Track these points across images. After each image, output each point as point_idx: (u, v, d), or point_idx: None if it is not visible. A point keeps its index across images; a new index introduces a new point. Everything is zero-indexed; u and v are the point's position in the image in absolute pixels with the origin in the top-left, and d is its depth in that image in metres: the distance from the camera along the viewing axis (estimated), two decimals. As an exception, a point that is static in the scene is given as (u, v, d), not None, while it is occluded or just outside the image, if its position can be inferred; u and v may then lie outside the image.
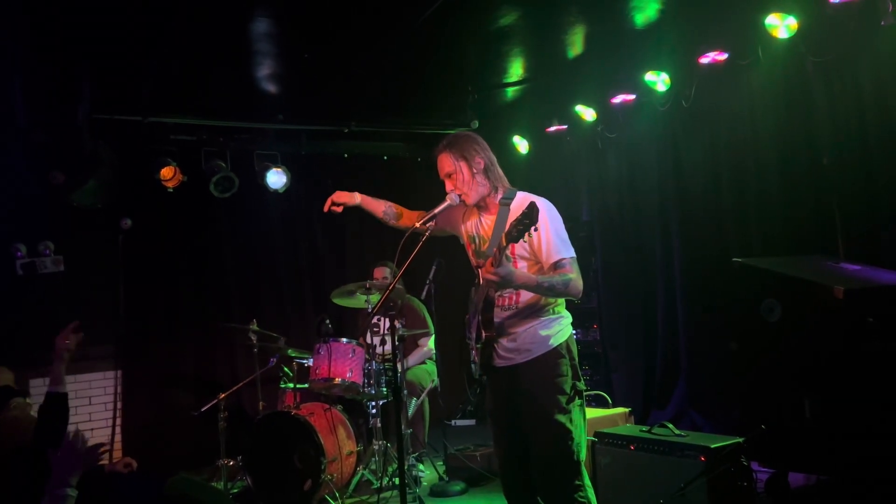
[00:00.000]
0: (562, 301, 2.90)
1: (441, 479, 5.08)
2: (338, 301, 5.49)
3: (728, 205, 5.42)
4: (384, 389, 4.96)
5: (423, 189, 7.18)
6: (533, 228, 2.55)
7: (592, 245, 6.58)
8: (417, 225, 2.95)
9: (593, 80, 6.08)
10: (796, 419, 3.84)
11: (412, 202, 7.05)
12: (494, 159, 2.99)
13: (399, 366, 3.56)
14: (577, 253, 2.86)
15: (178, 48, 4.81)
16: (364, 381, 4.89)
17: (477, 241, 3.04)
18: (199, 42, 4.81)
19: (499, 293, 2.88)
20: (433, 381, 5.40)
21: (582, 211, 6.85)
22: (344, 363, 4.85)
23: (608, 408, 4.80)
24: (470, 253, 3.10)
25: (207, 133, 6.40)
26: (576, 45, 5.44)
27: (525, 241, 2.77)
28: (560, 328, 2.87)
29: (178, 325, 6.50)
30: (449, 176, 2.97)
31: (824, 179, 4.69)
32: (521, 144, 7.20)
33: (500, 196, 2.96)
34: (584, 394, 2.91)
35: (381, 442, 4.96)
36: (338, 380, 4.83)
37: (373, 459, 5.03)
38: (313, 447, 4.65)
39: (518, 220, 2.54)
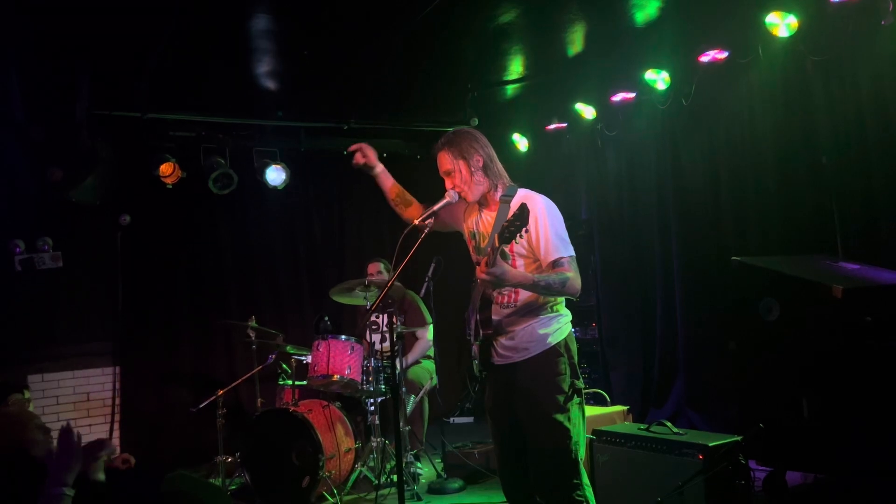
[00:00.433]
0: (561, 299, 2.90)
1: (439, 476, 5.08)
2: (337, 298, 5.49)
3: (727, 203, 5.42)
4: (382, 387, 4.96)
5: (422, 186, 7.16)
6: (524, 230, 2.56)
7: (591, 243, 6.59)
8: (417, 222, 2.94)
9: (593, 78, 6.07)
10: (794, 418, 3.84)
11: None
12: (494, 155, 2.98)
13: (398, 363, 3.55)
14: (575, 251, 2.85)
15: (178, 44, 4.79)
16: (363, 379, 4.89)
17: (477, 237, 3.03)
18: (198, 38, 4.79)
19: (497, 291, 2.88)
20: (432, 379, 5.40)
21: (581, 209, 6.85)
22: (342, 360, 4.85)
23: (606, 406, 4.80)
24: (471, 249, 3.10)
25: (207, 129, 6.39)
26: (576, 42, 5.43)
27: (523, 240, 2.77)
28: (559, 326, 2.86)
29: (177, 322, 6.50)
30: (448, 174, 2.97)
31: (823, 178, 4.69)
32: (521, 142, 7.19)
33: (500, 193, 2.95)
34: (583, 392, 2.91)
35: (379, 439, 4.96)
36: (336, 377, 4.83)
37: (371, 456, 5.03)
38: (311, 444, 4.66)
39: (509, 222, 2.55)
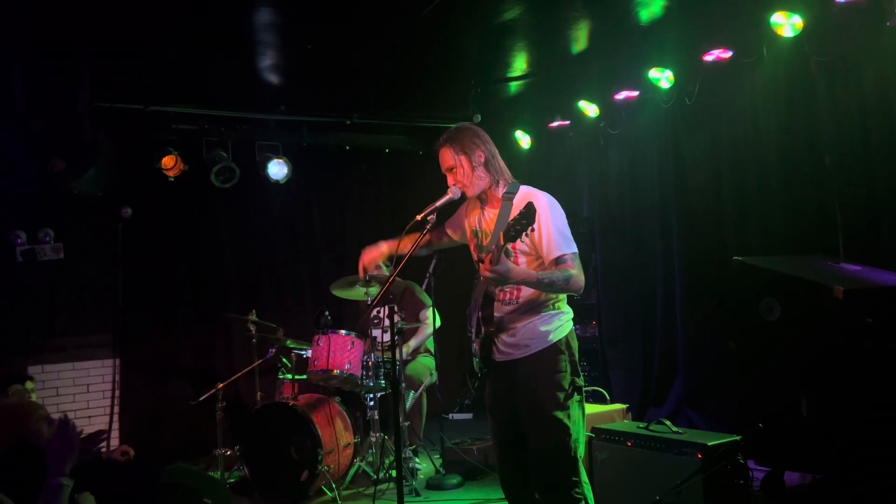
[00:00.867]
0: (563, 297, 2.90)
1: (438, 472, 5.09)
2: (337, 293, 5.49)
3: (729, 203, 5.41)
4: (382, 382, 4.96)
5: (424, 182, 7.18)
6: (530, 229, 2.56)
7: (592, 242, 6.58)
8: (419, 217, 2.93)
9: (597, 76, 6.07)
10: (793, 418, 3.84)
11: (413, 196, 7.04)
12: (496, 152, 2.98)
13: (398, 352, 3.54)
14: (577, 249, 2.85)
15: (181, 36, 4.79)
16: (362, 374, 4.89)
17: (479, 235, 3.03)
18: (201, 31, 4.79)
19: (499, 289, 2.88)
20: (432, 375, 5.41)
21: (583, 207, 6.84)
22: (342, 355, 4.85)
23: (606, 404, 4.81)
24: (472, 247, 3.09)
25: (209, 123, 6.39)
26: (580, 40, 5.42)
27: (526, 237, 2.77)
28: (560, 324, 2.86)
29: (177, 315, 6.50)
30: (450, 170, 2.96)
31: (826, 179, 4.68)
32: (524, 139, 7.19)
33: (502, 190, 2.95)
34: (583, 390, 2.91)
35: (378, 434, 4.97)
36: (336, 371, 4.83)
37: (370, 451, 5.04)
38: (310, 438, 4.66)
39: (516, 220, 2.55)
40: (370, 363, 4.92)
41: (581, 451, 2.84)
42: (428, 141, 7.40)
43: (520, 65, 5.90)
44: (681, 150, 5.83)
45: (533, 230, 2.61)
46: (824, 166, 4.69)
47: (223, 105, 6.26)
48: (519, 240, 2.71)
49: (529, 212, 2.53)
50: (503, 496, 3.07)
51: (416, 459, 5.20)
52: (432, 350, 5.63)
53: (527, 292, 2.85)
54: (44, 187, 5.67)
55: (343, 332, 4.95)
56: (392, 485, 4.77)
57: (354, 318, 6.40)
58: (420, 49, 5.40)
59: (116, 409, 6.21)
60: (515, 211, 2.61)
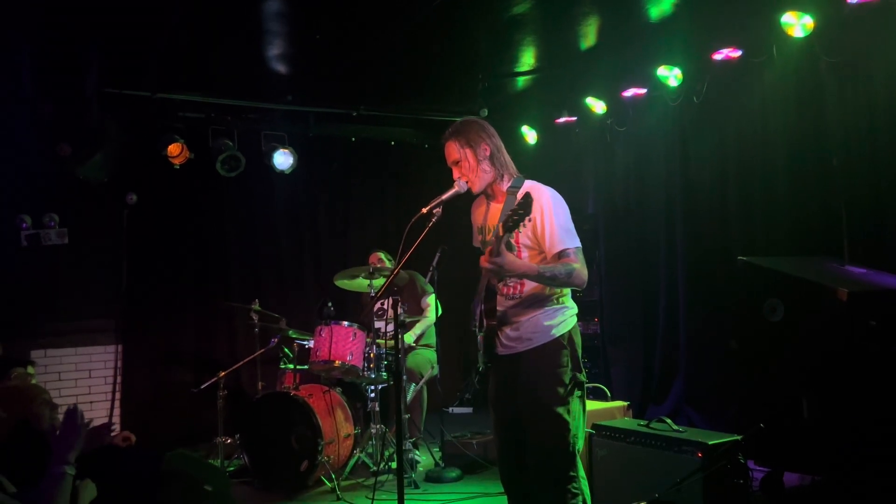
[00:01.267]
0: (567, 292, 2.90)
1: (437, 465, 5.10)
2: (340, 284, 5.50)
3: (734, 203, 5.40)
4: (384, 374, 4.97)
5: (430, 176, 7.18)
6: (528, 219, 2.57)
7: (596, 238, 6.58)
8: (424, 210, 2.91)
9: (605, 72, 6.04)
10: (794, 419, 3.84)
11: (419, 189, 7.03)
12: (501, 146, 2.97)
13: (400, 338, 3.54)
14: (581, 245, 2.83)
15: (189, 23, 4.78)
16: (364, 365, 4.90)
17: (484, 231, 3.03)
18: (209, 18, 4.78)
19: (502, 282, 2.88)
20: (433, 368, 5.41)
21: (587, 203, 6.83)
22: (344, 346, 4.86)
23: (606, 401, 4.81)
24: (478, 243, 3.09)
25: (216, 111, 6.39)
26: (589, 36, 5.41)
27: (528, 230, 2.77)
28: (563, 319, 2.86)
29: (180, 302, 6.52)
30: (456, 163, 2.96)
31: (832, 181, 4.67)
32: (530, 135, 7.17)
33: (507, 184, 2.95)
34: (584, 386, 2.91)
35: (378, 426, 4.98)
36: (338, 362, 4.84)
37: (370, 443, 5.05)
38: (311, 428, 4.67)
39: (513, 211, 2.55)
40: (372, 355, 4.93)
41: (579, 446, 2.84)
42: (434, 134, 7.39)
43: (528, 59, 5.88)
44: (687, 149, 5.82)
45: (530, 220, 2.60)
46: (831, 168, 4.68)
47: (230, 94, 6.25)
48: (519, 232, 2.71)
49: (527, 202, 2.54)
50: (502, 490, 3.08)
51: (416, 452, 5.22)
52: (434, 343, 5.63)
53: (530, 286, 2.85)
54: (50, 172, 5.69)
55: (345, 323, 4.96)
56: (391, 476, 4.78)
57: (358, 309, 6.41)
58: (428, 42, 5.38)
59: (118, 394, 6.23)
60: (517, 203, 2.61)
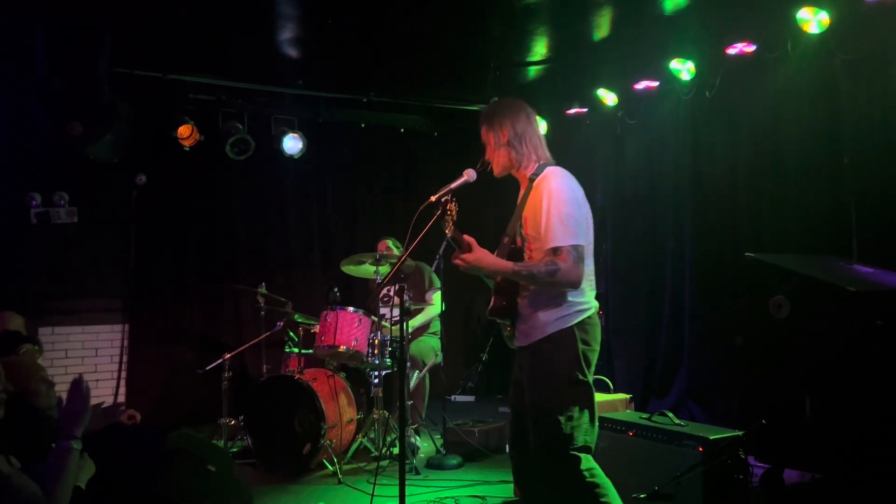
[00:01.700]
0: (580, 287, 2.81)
1: (438, 451, 5.13)
2: (346, 270, 5.51)
3: (744, 199, 5.37)
4: (388, 360, 4.99)
5: (439, 163, 7.18)
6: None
7: (604, 230, 6.56)
8: (433, 198, 2.86)
9: (617, 64, 6.01)
10: (796, 416, 3.84)
11: (428, 176, 6.99)
12: (528, 130, 2.91)
13: (405, 325, 3.54)
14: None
15: (202, 6, 4.77)
16: (368, 351, 4.92)
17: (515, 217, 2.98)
18: (222, 1, 4.77)
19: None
20: (437, 356, 5.43)
21: (596, 195, 6.81)
22: (350, 332, 4.88)
23: (609, 393, 4.82)
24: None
25: (226, 94, 6.38)
26: (602, 27, 5.37)
27: (534, 222, 2.75)
28: (565, 314, 2.76)
29: (187, 283, 6.55)
30: (486, 146, 2.95)
31: (843, 179, 4.64)
32: (540, 125, 7.14)
33: (531, 171, 2.89)
34: (585, 381, 2.85)
35: (381, 411, 5.00)
36: (342, 348, 4.86)
37: (372, 428, 5.08)
38: (314, 412, 4.70)
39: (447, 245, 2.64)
40: (376, 341, 4.95)
41: (581, 441, 2.77)
42: (444, 122, 7.42)
43: (540, 49, 5.85)
44: (698, 143, 5.78)
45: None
46: (843, 166, 4.65)
47: (241, 77, 6.25)
48: (531, 224, 2.69)
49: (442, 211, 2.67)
50: (502, 479, 3.09)
51: (418, 438, 5.24)
52: (438, 331, 5.65)
53: None
54: (61, 150, 5.70)
55: (351, 309, 4.98)
56: (392, 462, 4.81)
57: (364, 295, 6.43)
58: (440, 29, 5.36)
59: (124, 373, 6.28)
60: (535, 195, 2.58)
